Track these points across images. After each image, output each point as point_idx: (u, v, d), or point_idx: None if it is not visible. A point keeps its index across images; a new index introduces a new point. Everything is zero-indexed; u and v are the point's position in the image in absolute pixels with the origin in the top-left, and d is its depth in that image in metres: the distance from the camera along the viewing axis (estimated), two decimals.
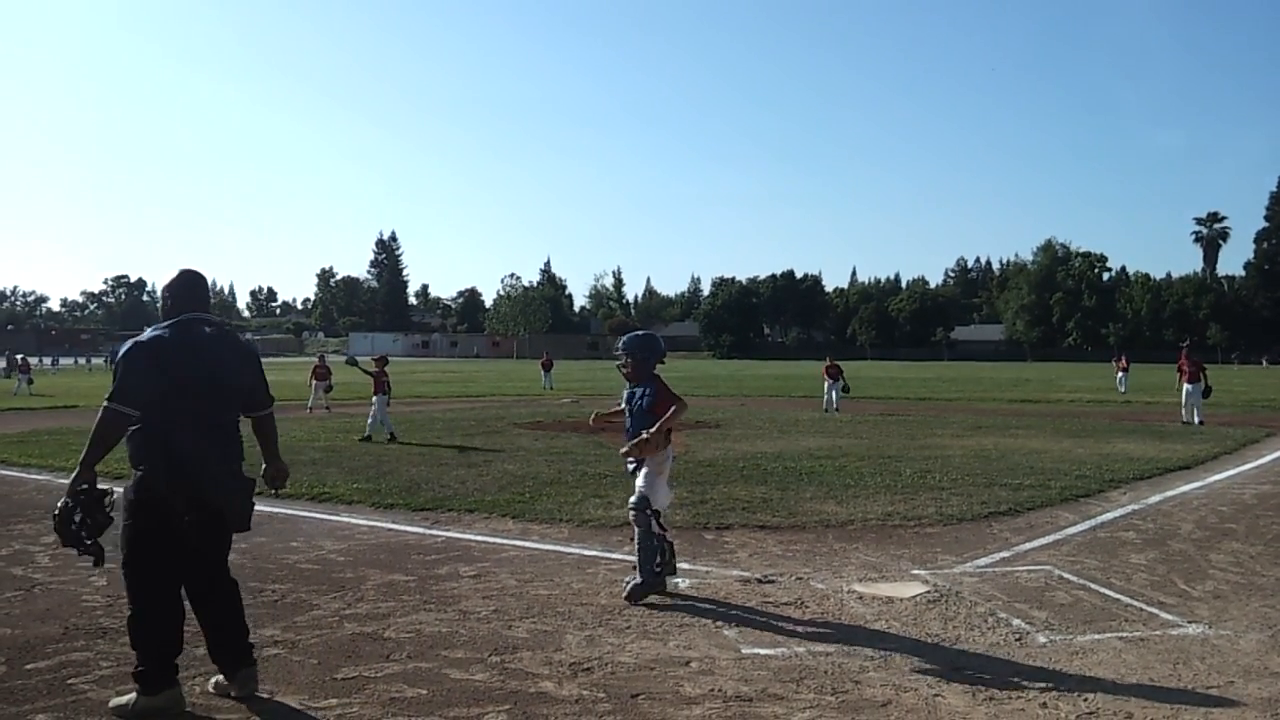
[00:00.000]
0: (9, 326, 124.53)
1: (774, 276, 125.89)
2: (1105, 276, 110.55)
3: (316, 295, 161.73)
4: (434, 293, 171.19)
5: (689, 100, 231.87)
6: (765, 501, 9.13)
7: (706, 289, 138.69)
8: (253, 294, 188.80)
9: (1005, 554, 7.04)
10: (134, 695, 3.90)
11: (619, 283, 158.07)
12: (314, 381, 23.31)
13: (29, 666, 4.46)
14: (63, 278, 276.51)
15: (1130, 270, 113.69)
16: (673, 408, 5.77)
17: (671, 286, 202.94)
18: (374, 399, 15.76)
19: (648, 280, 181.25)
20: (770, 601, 5.70)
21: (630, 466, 5.94)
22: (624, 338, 6.16)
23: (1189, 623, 5.25)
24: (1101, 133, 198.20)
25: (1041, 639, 4.98)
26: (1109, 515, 8.66)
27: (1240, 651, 4.75)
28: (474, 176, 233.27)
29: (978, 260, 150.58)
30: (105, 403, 3.85)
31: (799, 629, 5.16)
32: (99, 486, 3.93)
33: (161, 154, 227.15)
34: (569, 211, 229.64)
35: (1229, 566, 6.63)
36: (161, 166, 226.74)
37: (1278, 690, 4.20)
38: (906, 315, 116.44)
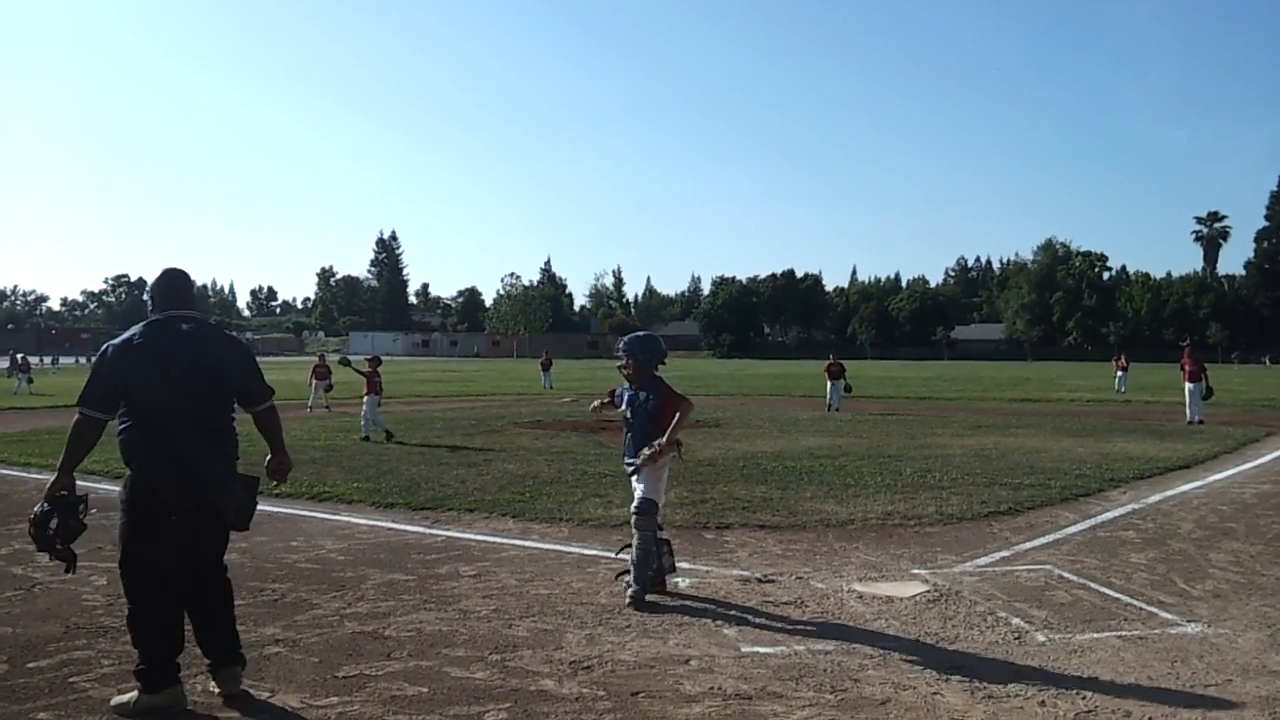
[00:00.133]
0: (9, 326, 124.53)
1: (774, 276, 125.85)
2: (1105, 276, 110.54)
3: (317, 294, 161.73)
4: (434, 292, 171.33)
5: (689, 99, 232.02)
6: (765, 501, 9.14)
7: (707, 288, 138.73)
8: (253, 293, 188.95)
9: (1005, 553, 7.05)
10: (135, 693, 3.91)
11: (619, 282, 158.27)
12: (314, 380, 23.32)
13: (30, 665, 4.47)
14: (63, 277, 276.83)
15: (1130, 270, 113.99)
16: (679, 413, 5.77)
17: (671, 286, 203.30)
18: (365, 399, 15.88)
19: (648, 279, 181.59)
20: (770, 600, 5.71)
21: (629, 469, 5.94)
22: (625, 338, 6.15)
23: (1188, 622, 5.26)
24: (1102, 132, 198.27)
25: (1041, 638, 4.99)
26: (1109, 514, 8.66)
27: (1239, 650, 4.76)
28: (474, 176, 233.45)
29: (978, 259, 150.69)
30: (75, 407, 3.93)
31: (799, 628, 5.17)
32: (76, 493, 3.97)
33: (162, 153, 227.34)
34: (569, 211, 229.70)
35: (1228, 566, 6.64)
36: (162, 166, 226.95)
37: (1276, 689, 4.21)
38: (907, 314, 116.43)
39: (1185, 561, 6.77)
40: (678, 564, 6.12)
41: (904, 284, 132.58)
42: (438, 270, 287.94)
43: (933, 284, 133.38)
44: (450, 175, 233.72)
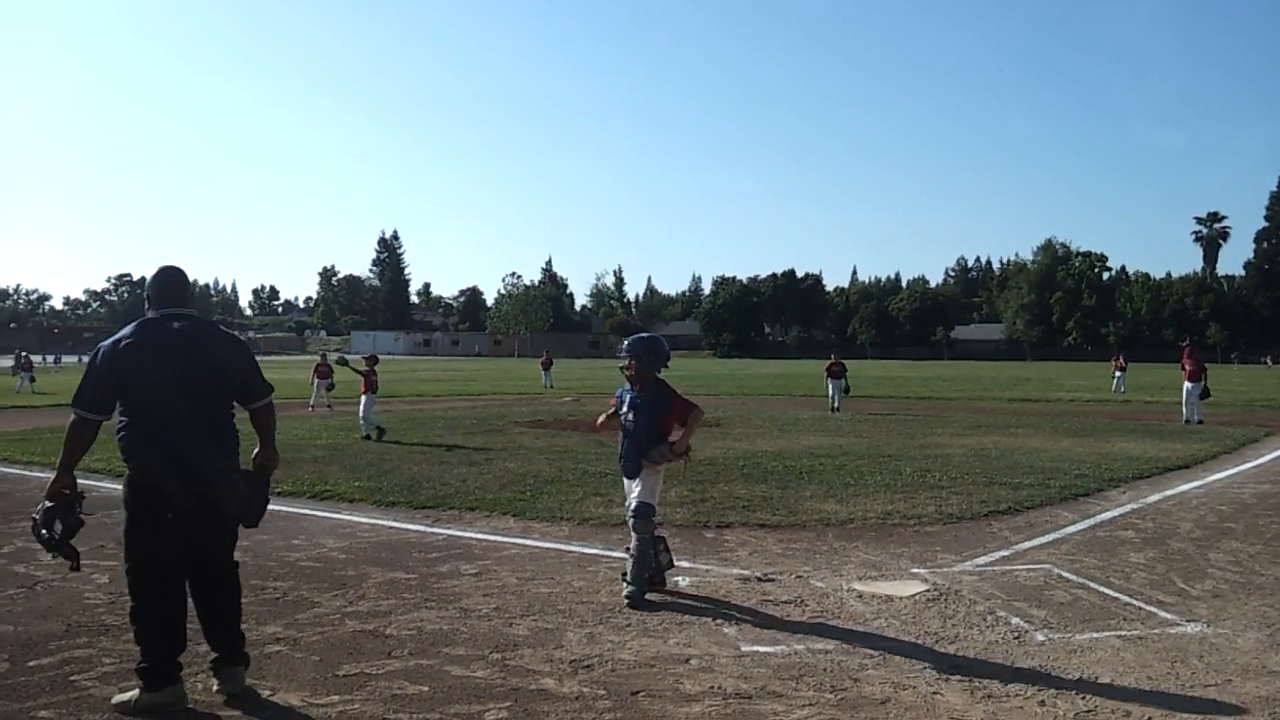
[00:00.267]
0: (11, 325, 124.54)
1: (775, 275, 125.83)
2: (1105, 276, 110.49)
3: (319, 294, 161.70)
4: (436, 291, 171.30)
5: (690, 99, 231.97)
6: (765, 500, 9.15)
7: (707, 288, 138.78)
8: (255, 293, 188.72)
9: (1004, 553, 7.05)
10: (137, 691, 3.92)
11: (620, 281, 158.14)
12: (316, 380, 23.39)
13: (32, 663, 4.48)
14: (66, 276, 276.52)
15: (1130, 270, 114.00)
16: (690, 419, 5.79)
17: (672, 285, 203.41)
18: (362, 397, 16.00)
19: (649, 279, 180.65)
20: (770, 599, 5.71)
21: (627, 469, 5.93)
22: (630, 338, 6.10)
23: (1187, 621, 5.26)
24: (1102, 132, 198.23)
25: (1040, 637, 4.99)
26: (1108, 514, 8.67)
27: (1238, 650, 4.77)
28: (476, 175, 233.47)
29: (978, 259, 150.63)
30: (71, 407, 3.97)
31: (798, 627, 5.17)
32: (77, 491, 4.00)
33: (164, 152, 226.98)
34: (570, 210, 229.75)
35: (1228, 565, 6.65)
36: (164, 165, 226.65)
37: (1275, 689, 4.22)
38: (907, 314, 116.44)
39: (1184, 561, 6.77)
40: (677, 562, 6.13)
41: (904, 284, 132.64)
42: (439, 270, 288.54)
43: (933, 284, 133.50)
44: (451, 174, 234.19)
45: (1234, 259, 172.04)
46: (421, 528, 8.00)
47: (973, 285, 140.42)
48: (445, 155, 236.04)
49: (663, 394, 5.86)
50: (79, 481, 4.07)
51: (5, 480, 10.96)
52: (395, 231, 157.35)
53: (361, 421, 15.73)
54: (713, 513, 8.46)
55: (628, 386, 6.00)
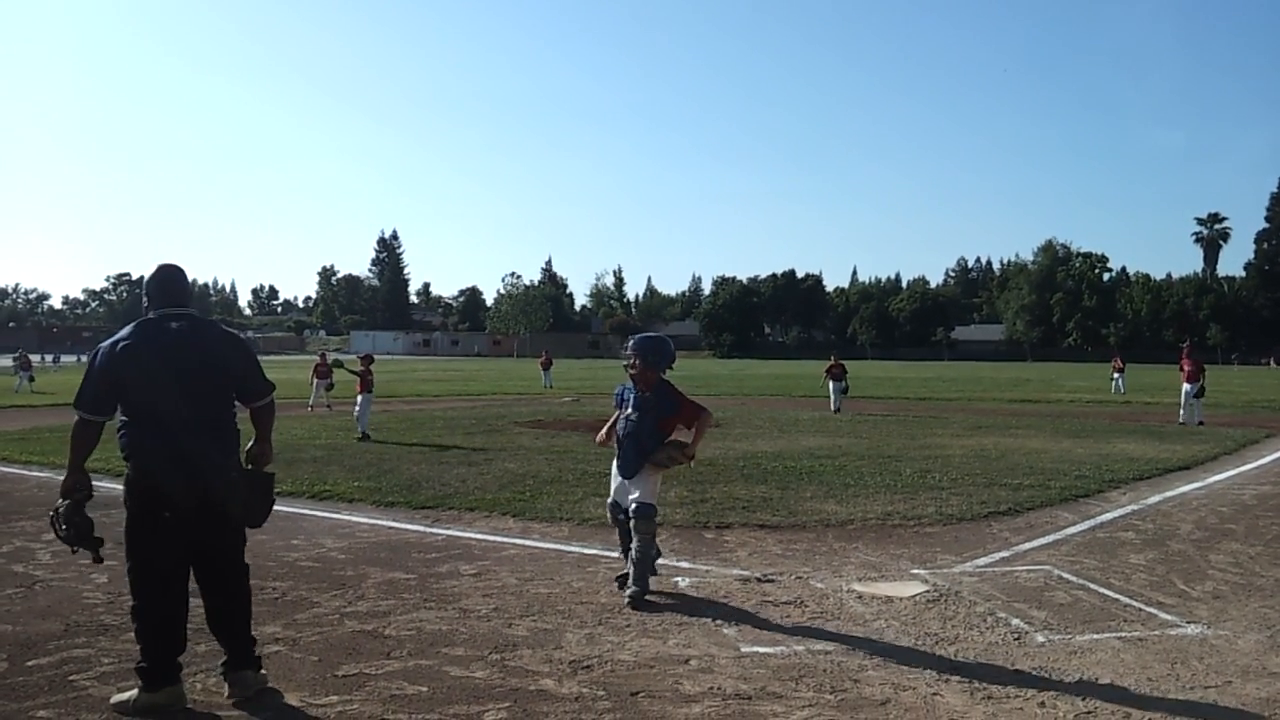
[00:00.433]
0: (10, 324, 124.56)
1: (775, 276, 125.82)
2: (1105, 277, 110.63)
3: (318, 293, 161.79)
4: (435, 291, 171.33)
5: (690, 99, 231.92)
6: (765, 500, 9.14)
7: (707, 288, 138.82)
8: (254, 292, 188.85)
9: (1005, 554, 7.05)
10: (135, 691, 3.91)
11: (620, 281, 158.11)
12: (315, 379, 23.38)
13: (30, 663, 4.47)
14: (65, 275, 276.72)
15: (1130, 270, 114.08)
16: (699, 422, 5.78)
17: (672, 285, 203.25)
18: (359, 397, 16.07)
19: (649, 279, 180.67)
20: (770, 600, 5.71)
21: (624, 469, 5.93)
22: (635, 337, 6.02)
23: (1188, 623, 5.26)
24: (1102, 132, 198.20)
25: (1040, 638, 4.99)
26: (1108, 515, 8.67)
27: (1239, 652, 4.76)
28: (475, 175, 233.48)
29: (978, 260, 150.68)
30: (73, 408, 4.00)
31: (798, 628, 5.17)
32: (89, 489, 4.01)
33: (163, 152, 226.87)
34: (570, 210, 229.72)
35: (1228, 567, 6.64)
36: (164, 164, 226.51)
37: (1276, 690, 4.22)
38: (907, 315, 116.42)
39: (1185, 563, 6.77)
40: (678, 563, 6.13)
41: (904, 284, 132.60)
42: (439, 269, 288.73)
43: (933, 284, 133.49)
44: (451, 174, 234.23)
45: (1234, 260, 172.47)
46: (421, 528, 7.99)
47: (973, 286, 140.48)
48: (445, 155, 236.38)
49: (669, 395, 5.81)
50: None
51: (4, 480, 10.94)
52: (395, 231, 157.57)
53: (357, 421, 15.82)
54: (713, 513, 8.46)
55: (629, 384, 5.96)
